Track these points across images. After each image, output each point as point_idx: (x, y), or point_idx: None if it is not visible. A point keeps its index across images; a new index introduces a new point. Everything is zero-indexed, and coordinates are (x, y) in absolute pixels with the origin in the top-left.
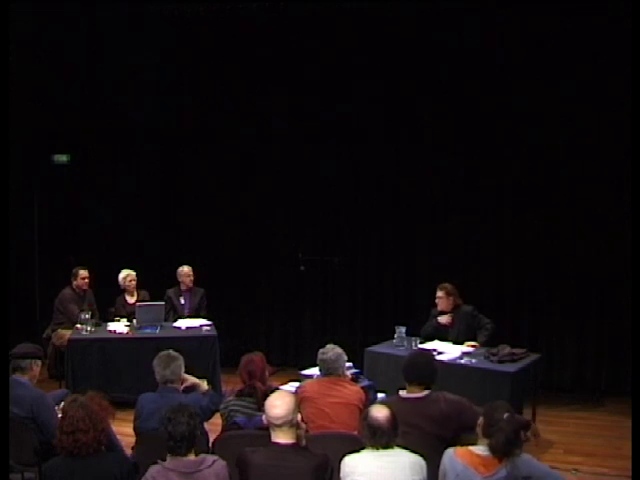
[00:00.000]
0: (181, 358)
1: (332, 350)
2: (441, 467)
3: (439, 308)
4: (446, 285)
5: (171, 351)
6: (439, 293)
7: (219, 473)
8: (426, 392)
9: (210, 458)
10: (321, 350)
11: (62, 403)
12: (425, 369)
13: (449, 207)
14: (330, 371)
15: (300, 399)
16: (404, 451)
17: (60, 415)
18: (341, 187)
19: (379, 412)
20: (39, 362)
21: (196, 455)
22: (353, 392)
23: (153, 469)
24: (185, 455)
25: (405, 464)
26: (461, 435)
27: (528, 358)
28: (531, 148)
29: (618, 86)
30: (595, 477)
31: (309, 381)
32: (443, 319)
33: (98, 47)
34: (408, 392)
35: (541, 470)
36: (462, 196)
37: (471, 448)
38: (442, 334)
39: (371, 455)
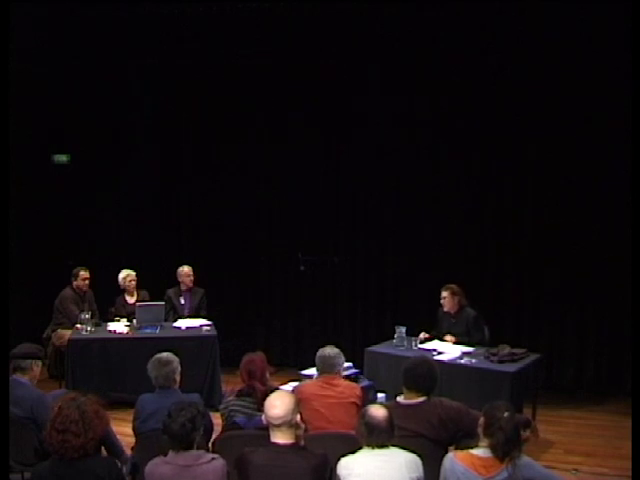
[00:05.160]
0: (175, 361)
1: (331, 348)
2: (442, 471)
3: (445, 309)
4: (451, 285)
5: (164, 355)
6: (444, 293)
7: (217, 471)
8: (423, 399)
9: (209, 455)
10: (321, 349)
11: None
12: (425, 379)
13: (449, 207)
14: (326, 368)
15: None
16: (399, 450)
17: (55, 409)
18: (341, 187)
19: (377, 411)
20: (40, 363)
21: None
22: (348, 389)
23: (152, 461)
24: (184, 451)
25: (401, 463)
26: (460, 439)
27: (528, 358)
28: (531, 148)
29: (620, 85)
30: (595, 477)
31: (305, 382)
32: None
33: (98, 47)
34: (405, 398)
35: (542, 474)
36: (462, 196)
37: (471, 451)
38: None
39: (367, 455)
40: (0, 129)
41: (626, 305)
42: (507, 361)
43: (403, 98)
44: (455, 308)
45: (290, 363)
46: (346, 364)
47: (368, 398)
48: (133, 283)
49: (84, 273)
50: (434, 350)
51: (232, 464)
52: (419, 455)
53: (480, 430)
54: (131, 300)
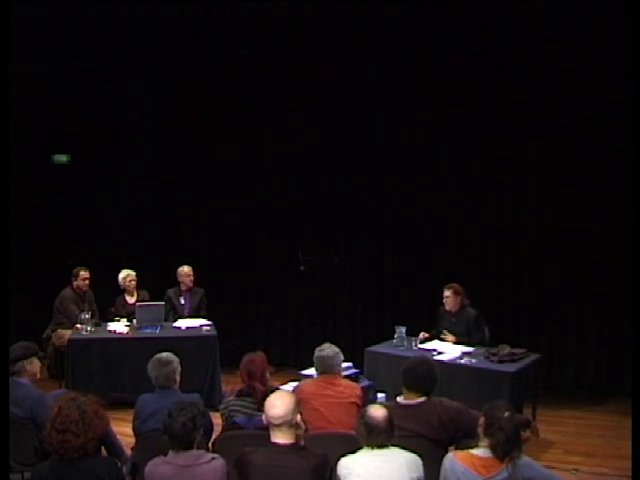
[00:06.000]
0: (175, 361)
1: (329, 348)
2: (442, 471)
3: (447, 308)
4: (453, 285)
5: (164, 355)
6: (447, 292)
7: (217, 471)
8: (423, 399)
9: (209, 455)
10: (318, 348)
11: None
12: (425, 380)
13: (449, 207)
14: (326, 369)
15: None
16: (400, 450)
17: (55, 409)
18: (341, 187)
19: (377, 411)
20: (33, 359)
21: None
22: (349, 389)
23: (152, 461)
24: (184, 451)
25: (401, 463)
26: (460, 439)
27: (528, 358)
28: (531, 148)
29: (620, 85)
30: (595, 477)
31: (305, 382)
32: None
33: (98, 47)
34: (405, 398)
35: (542, 474)
36: (462, 196)
37: (471, 451)
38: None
39: (367, 455)
40: (0, 129)
41: (626, 305)
42: (507, 361)
43: (403, 98)
44: (457, 307)
45: (290, 363)
46: (346, 364)
47: (368, 398)
48: (133, 283)
49: (84, 273)
50: (434, 350)
51: (232, 464)
52: (419, 455)
53: (480, 430)
54: (131, 300)
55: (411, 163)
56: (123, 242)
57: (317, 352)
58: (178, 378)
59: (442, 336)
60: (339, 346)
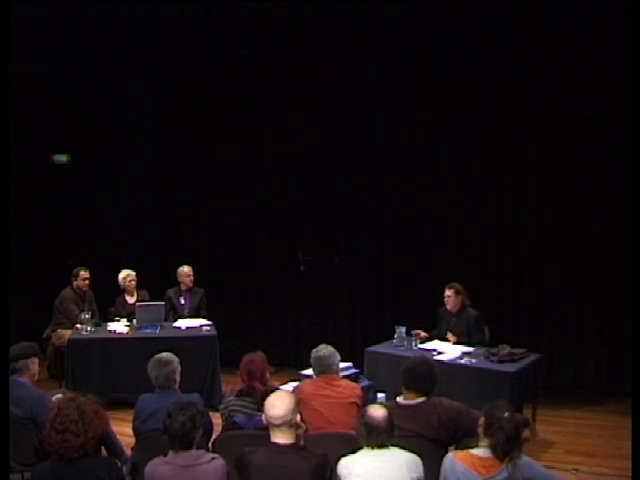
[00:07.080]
0: (175, 361)
1: (325, 348)
2: (442, 471)
3: (448, 307)
4: (455, 284)
5: (164, 355)
6: (448, 292)
7: (217, 471)
8: (423, 399)
9: (209, 455)
10: (314, 349)
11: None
12: (425, 380)
13: (449, 207)
14: (323, 369)
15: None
16: (400, 450)
17: (55, 409)
18: (341, 187)
19: (377, 411)
20: (35, 359)
21: None
22: (349, 389)
23: (152, 462)
24: (184, 451)
25: (401, 463)
26: (460, 439)
27: (528, 358)
28: (531, 148)
29: (620, 85)
30: (595, 477)
31: (305, 382)
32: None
33: (98, 47)
34: (405, 398)
35: (542, 474)
36: (462, 196)
37: (471, 451)
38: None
39: (367, 455)
40: (0, 129)
41: (626, 305)
42: (507, 361)
43: (403, 98)
44: (458, 307)
45: (290, 363)
46: (346, 364)
47: (368, 398)
48: (133, 283)
49: (84, 273)
50: (434, 350)
51: (232, 464)
52: (419, 455)
53: (480, 430)
54: (131, 300)
55: (411, 163)
56: (123, 242)
57: (314, 353)
58: (178, 378)
59: (447, 336)
60: (339, 346)
